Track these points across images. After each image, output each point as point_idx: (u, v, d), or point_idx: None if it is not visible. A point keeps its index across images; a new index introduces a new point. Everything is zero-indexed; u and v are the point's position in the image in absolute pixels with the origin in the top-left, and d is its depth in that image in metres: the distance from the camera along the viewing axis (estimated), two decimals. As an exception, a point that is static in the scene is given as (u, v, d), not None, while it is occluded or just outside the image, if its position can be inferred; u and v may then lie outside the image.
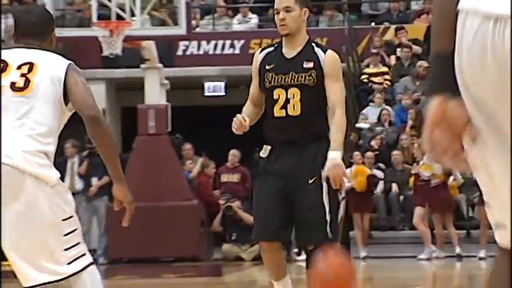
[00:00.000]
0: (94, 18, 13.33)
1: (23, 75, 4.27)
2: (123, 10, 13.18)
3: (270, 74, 5.59)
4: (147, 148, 13.39)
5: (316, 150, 5.50)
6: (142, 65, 13.74)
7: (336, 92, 5.52)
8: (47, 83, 4.27)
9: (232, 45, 18.08)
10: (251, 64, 5.73)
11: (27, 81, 4.26)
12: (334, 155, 5.38)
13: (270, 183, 5.55)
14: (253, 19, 18.75)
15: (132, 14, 13.26)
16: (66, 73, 4.32)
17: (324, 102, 5.52)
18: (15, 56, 4.37)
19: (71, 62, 4.44)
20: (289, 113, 5.50)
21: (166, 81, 14.00)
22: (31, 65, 4.32)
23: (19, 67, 4.31)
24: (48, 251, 4.12)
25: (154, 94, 13.69)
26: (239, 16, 18.88)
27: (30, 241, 4.12)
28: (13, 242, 4.12)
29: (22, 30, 4.51)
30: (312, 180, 5.44)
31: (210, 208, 14.13)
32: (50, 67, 4.34)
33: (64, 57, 4.49)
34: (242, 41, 18.02)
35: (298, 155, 5.52)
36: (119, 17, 13.18)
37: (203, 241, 13.72)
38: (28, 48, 4.41)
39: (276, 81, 5.58)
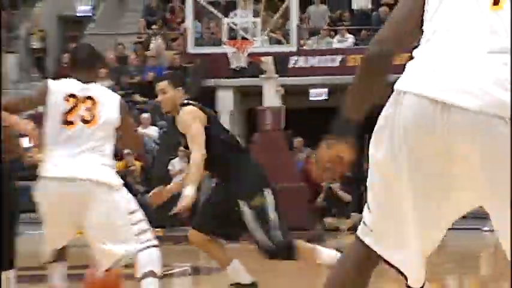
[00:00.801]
0: (224, 38, 13.50)
1: (88, 109, 4.35)
2: (247, 32, 13.32)
3: None
4: (265, 142, 13.45)
5: None
6: (262, 75, 13.81)
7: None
8: (107, 117, 4.38)
9: (332, 60, 18.01)
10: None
11: (93, 116, 4.35)
12: None
13: None
14: (350, 38, 18.60)
15: (254, 35, 13.38)
16: (120, 112, 4.43)
17: None
18: (77, 88, 4.39)
19: (120, 98, 4.55)
20: None
21: (280, 88, 14.03)
22: (93, 101, 4.38)
23: (83, 101, 4.37)
24: (122, 235, 4.33)
25: (271, 98, 13.73)
26: (338, 36, 18.77)
27: (108, 228, 4.31)
28: (97, 230, 4.31)
29: (77, 63, 4.50)
30: None
31: (315, 189, 14.13)
32: (107, 104, 4.42)
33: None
34: (341, 56, 17.93)
35: None
36: (244, 38, 13.32)
37: (309, 215, 13.71)
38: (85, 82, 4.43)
39: None
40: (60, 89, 4.41)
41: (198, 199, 6.55)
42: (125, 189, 4.45)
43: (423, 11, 2.23)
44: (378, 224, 2.31)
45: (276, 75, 13.87)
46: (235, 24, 13.35)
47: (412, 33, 2.26)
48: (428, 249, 2.30)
